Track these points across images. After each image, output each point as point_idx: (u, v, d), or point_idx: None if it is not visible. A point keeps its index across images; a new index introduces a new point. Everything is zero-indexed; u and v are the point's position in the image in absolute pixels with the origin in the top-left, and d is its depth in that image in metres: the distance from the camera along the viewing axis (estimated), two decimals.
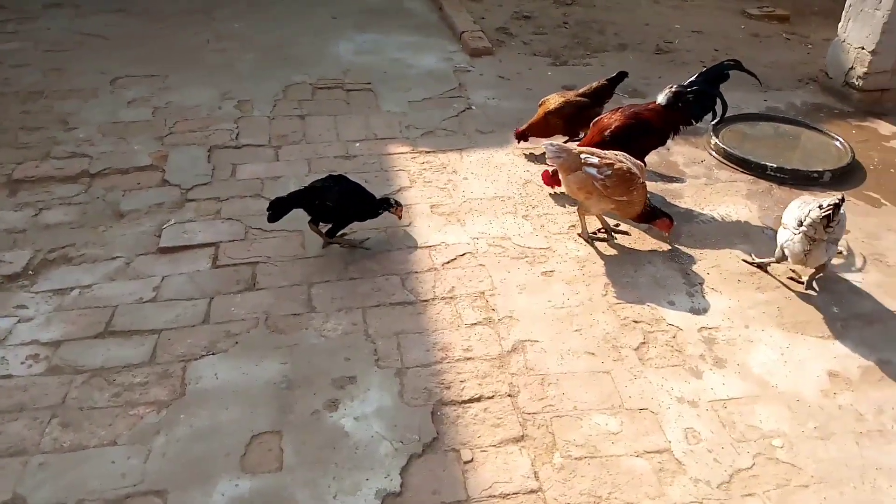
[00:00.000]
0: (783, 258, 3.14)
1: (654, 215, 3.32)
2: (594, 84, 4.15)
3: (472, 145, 4.35)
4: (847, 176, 4.10)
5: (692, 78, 3.78)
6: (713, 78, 3.75)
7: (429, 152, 4.25)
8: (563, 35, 6.12)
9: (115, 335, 2.87)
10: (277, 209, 3.20)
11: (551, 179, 3.68)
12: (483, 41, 5.73)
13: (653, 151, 3.98)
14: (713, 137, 4.34)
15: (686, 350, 2.84)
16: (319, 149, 4.23)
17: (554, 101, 4.10)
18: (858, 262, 3.40)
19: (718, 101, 3.78)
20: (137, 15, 6.22)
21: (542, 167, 3.95)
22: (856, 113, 4.93)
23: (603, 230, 3.55)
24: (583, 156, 3.25)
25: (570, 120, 4.08)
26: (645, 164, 3.67)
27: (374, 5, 6.68)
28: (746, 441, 2.46)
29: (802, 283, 3.22)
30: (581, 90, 4.15)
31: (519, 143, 4.22)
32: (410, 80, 5.18)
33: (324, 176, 3.37)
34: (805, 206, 3.00)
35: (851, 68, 4.96)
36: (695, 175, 4.11)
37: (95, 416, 2.50)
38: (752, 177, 4.08)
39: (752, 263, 3.33)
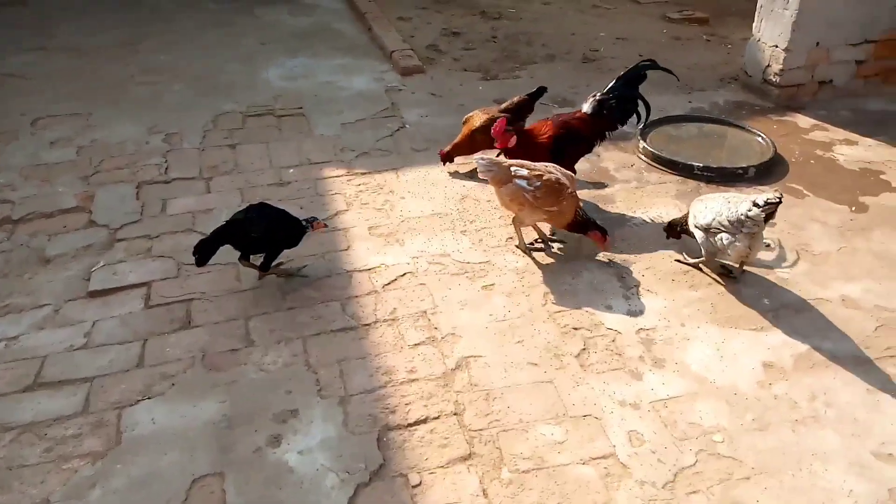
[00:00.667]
0: (712, 257, 3.23)
1: (586, 226, 3.36)
2: (515, 99, 4.22)
3: (407, 164, 4.36)
4: (771, 170, 4.25)
5: (612, 83, 3.87)
6: (631, 80, 3.87)
7: (364, 174, 4.24)
8: (493, 49, 6.19)
9: (45, 387, 2.76)
10: (203, 251, 3.07)
11: (503, 136, 3.58)
12: (413, 59, 5.76)
13: (583, 159, 4.06)
14: (641, 141, 4.44)
15: (625, 353, 2.89)
16: (252, 177, 4.18)
17: (478, 118, 4.14)
18: (786, 254, 3.52)
19: (640, 102, 3.88)
20: (59, 51, 6.05)
21: (479, 183, 3.99)
22: (776, 108, 5.12)
23: (539, 240, 3.59)
24: (513, 168, 3.29)
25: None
26: (575, 172, 3.74)
27: (303, 29, 6.65)
28: (688, 439, 2.50)
29: (733, 276, 3.31)
30: (503, 106, 4.21)
31: (444, 164, 4.23)
32: (343, 103, 5.16)
33: (243, 208, 3.28)
34: (733, 206, 3.06)
35: (768, 66, 5.16)
36: (626, 179, 4.19)
37: (26, 474, 2.40)
38: (681, 177, 4.19)
39: (685, 263, 3.41)
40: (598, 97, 3.80)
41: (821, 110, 5.08)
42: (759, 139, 4.55)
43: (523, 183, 3.24)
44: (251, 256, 3.23)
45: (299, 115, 4.96)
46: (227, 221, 3.19)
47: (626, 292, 3.24)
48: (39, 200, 3.94)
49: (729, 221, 3.05)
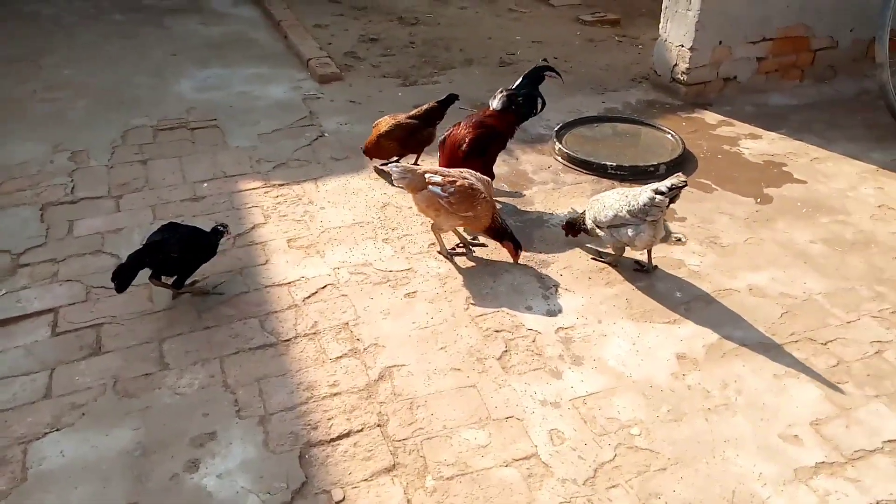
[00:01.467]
0: (621, 252, 3.37)
1: (503, 234, 3.39)
2: (424, 106, 4.27)
3: (327, 173, 4.31)
4: (680, 166, 4.40)
5: (519, 81, 4.03)
6: (535, 79, 4.04)
7: (282, 185, 4.17)
8: (411, 55, 6.20)
9: None
10: (122, 278, 2.96)
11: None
12: (331, 67, 5.71)
13: (502, 162, 4.14)
14: (557, 143, 4.53)
15: (546, 352, 2.93)
16: (164, 193, 4.05)
17: (385, 123, 4.19)
18: (696, 247, 3.65)
19: (539, 100, 4.06)
20: None
21: (399, 190, 3.98)
22: (684, 106, 5.31)
23: (461, 245, 3.61)
24: (427, 175, 3.30)
25: (402, 142, 4.19)
26: (493, 176, 3.79)
27: (216, 39, 6.50)
28: (607, 434, 2.56)
29: (646, 270, 3.41)
30: (412, 112, 4.25)
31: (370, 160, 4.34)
32: (259, 113, 5.07)
33: (156, 230, 3.19)
34: (632, 199, 3.16)
35: (675, 65, 5.35)
36: (543, 181, 4.27)
37: None
38: (596, 177, 4.29)
39: (602, 261, 3.50)
40: (505, 93, 3.92)
41: (726, 106, 5.30)
42: (670, 136, 4.71)
43: (437, 189, 3.26)
44: (162, 276, 3.13)
45: (213, 127, 4.84)
46: (145, 245, 3.08)
47: (545, 292, 3.30)
48: None
49: (630, 213, 3.15)
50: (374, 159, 4.33)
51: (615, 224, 3.23)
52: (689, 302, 3.25)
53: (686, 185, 3.09)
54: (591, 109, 5.21)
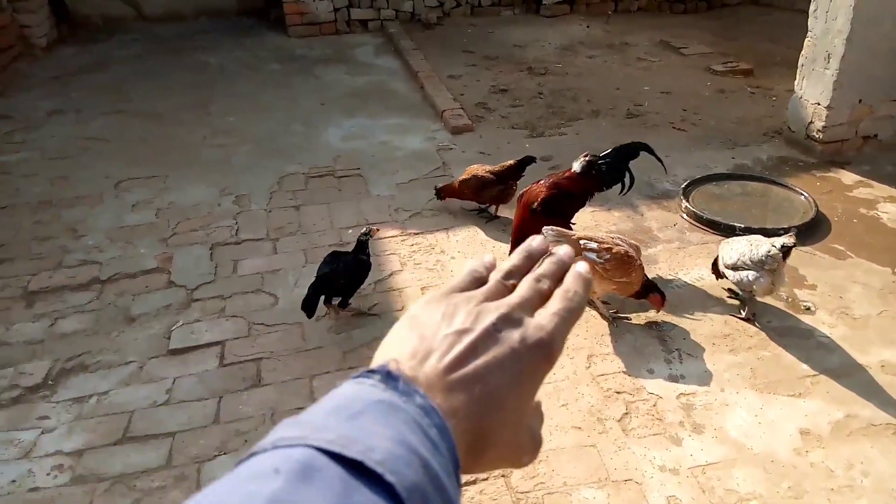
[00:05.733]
0: (749, 293, 3.55)
1: (648, 290, 3.51)
2: (505, 164, 4.57)
3: (457, 224, 4.61)
4: (813, 229, 4.34)
5: (606, 151, 4.10)
6: (623, 155, 4.08)
7: (417, 233, 4.51)
8: (539, 106, 6.45)
9: (133, 440, 3.07)
10: (309, 307, 3.53)
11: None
12: (463, 118, 6.06)
13: (627, 218, 4.26)
14: (683, 200, 4.60)
15: (666, 418, 3.04)
16: (314, 238, 4.50)
17: (468, 171, 4.58)
18: (826, 317, 3.61)
19: (627, 174, 4.09)
20: (136, 115, 6.56)
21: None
22: (819, 164, 5.21)
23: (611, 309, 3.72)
24: (582, 241, 3.46)
25: (475, 192, 4.55)
26: (573, 224, 3.94)
27: (360, 89, 7.05)
28: None
29: (745, 319, 3.59)
30: (494, 168, 4.55)
31: (439, 198, 4.69)
32: (397, 163, 5.48)
33: (322, 261, 3.69)
34: (755, 248, 3.40)
35: (811, 122, 5.26)
36: (668, 239, 4.36)
37: None
38: (723, 237, 4.32)
39: (741, 318, 3.61)
40: (588, 158, 4.04)
41: (865, 165, 5.15)
42: (802, 197, 4.66)
43: (593, 255, 3.42)
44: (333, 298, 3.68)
45: (357, 176, 5.29)
46: (319, 277, 3.60)
47: (667, 356, 3.40)
48: (124, 262, 4.33)
49: (752, 261, 3.38)
50: (446, 198, 4.67)
51: (738, 267, 3.45)
52: (816, 375, 3.24)
53: (795, 245, 3.32)
54: (720, 165, 5.23)
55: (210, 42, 8.60)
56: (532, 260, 0.67)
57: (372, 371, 0.55)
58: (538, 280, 0.64)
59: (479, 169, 4.57)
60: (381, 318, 3.73)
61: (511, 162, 4.56)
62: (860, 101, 5.11)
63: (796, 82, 5.35)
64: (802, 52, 5.24)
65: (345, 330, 3.65)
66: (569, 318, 0.62)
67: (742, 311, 3.63)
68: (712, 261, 3.75)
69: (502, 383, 0.57)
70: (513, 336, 0.58)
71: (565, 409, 3.11)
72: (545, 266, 0.66)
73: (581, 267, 0.66)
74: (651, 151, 4.07)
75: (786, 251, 3.33)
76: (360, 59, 7.91)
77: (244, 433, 3.07)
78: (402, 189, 5.08)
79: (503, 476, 2.80)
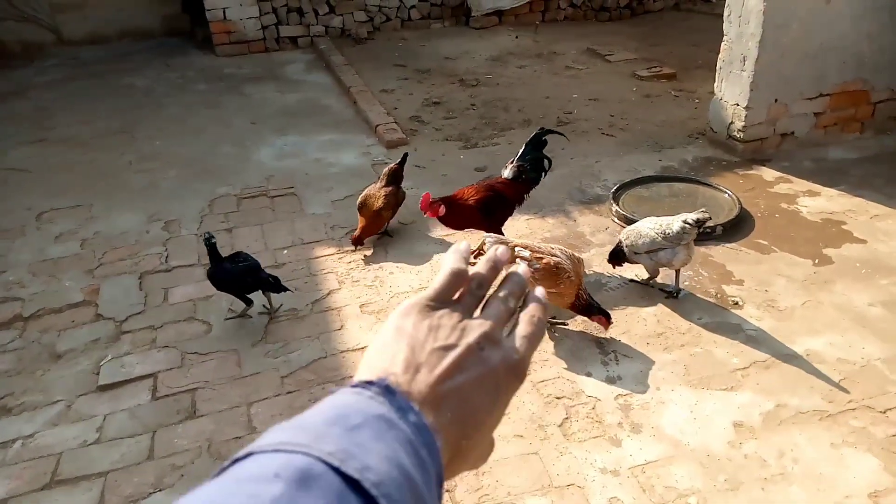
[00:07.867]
0: (656, 274, 3.87)
1: (590, 310, 3.47)
2: (386, 169, 4.64)
3: (394, 239, 4.60)
4: (737, 226, 4.49)
5: (523, 149, 4.33)
6: (536, 145, 4.36)
7: (354, 251, 4.47)
8: (472, 117, 6.50)
9: (62, 483, 2.93)
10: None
11: (431, 207, 4.00)
12: (397, 132, 6.06)
13: (560, 224, 4.34)
14: (614, 204, 4.70)
15: (605, 420, 3.08)
16: None
17: (374, 197, 4.42)
18: (753, 311, 3.73)
19: (546, 161, 4.37)
20: (58, 143, 6.33)
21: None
22: (742, 162, 5.40)
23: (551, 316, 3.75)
24: (517, 249, 3.47)
25: (394, 209, 4.55)
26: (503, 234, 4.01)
27: (291, 106, 6.97)
28: (665, 503, 2.68)
29: (674, 296, 3.81)
30: (383, 180, 4.56)
31: (356, 248, 4.43)
32: (332, 180, 5.43)
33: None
34: (665, 227, 3.63)
35: (731, 123, 5.46)
36: (601, 243, 4.43)
37: None
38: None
39: (639, 282, 3.95)
40: (516, 164, 4.24)
41: (784, 162, 5.37)
42: (727, 196, 4.82)
43: (524, 264, 3.43)
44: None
45: (291, 195, 5.22)
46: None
47: (604, 358, 3.45)
48: (48, 296, 4.16)
49: (667, 239, 3.60)
50: (365, 243, 4.45)
51: (653, 249, 3.64)
52: (746, 368, 3.34)
53: (709, 218, 3.59)
54: (648, 167, 5.36)
55: (135, 64, 8.38)
56: (497, 270, 0.72)
57: (370, 382, 0.57)
58: (506, 300, 0.69)
59: (379, 190, 4.46)
60: (319, 339, 3.68)
61: (393, 164, 4.67)
62: (776, 100, 5.32)
63: (716, 84, 5.55)
64: (720, 55, 5.44)
65: (282, 354, 3.58)
66: (535, 342, 0.68)
67: (652, 283, 3.95)
68: (611, 251, 3.92)
69: (483, 403, 0.61)
70: (493, 357, 0.63)
71: (507, 418, 3.11)
72: (510, 286, 0.71)
73: (539, 292, 0.72)
74: (551, 131, 4.50)
75: (700, 224, 3.57)
76: (290, 76, 7.83)
77: (180, 467, 2.97)
78: (337, 206, 5.04)
79: (447, 491, 2.78)
